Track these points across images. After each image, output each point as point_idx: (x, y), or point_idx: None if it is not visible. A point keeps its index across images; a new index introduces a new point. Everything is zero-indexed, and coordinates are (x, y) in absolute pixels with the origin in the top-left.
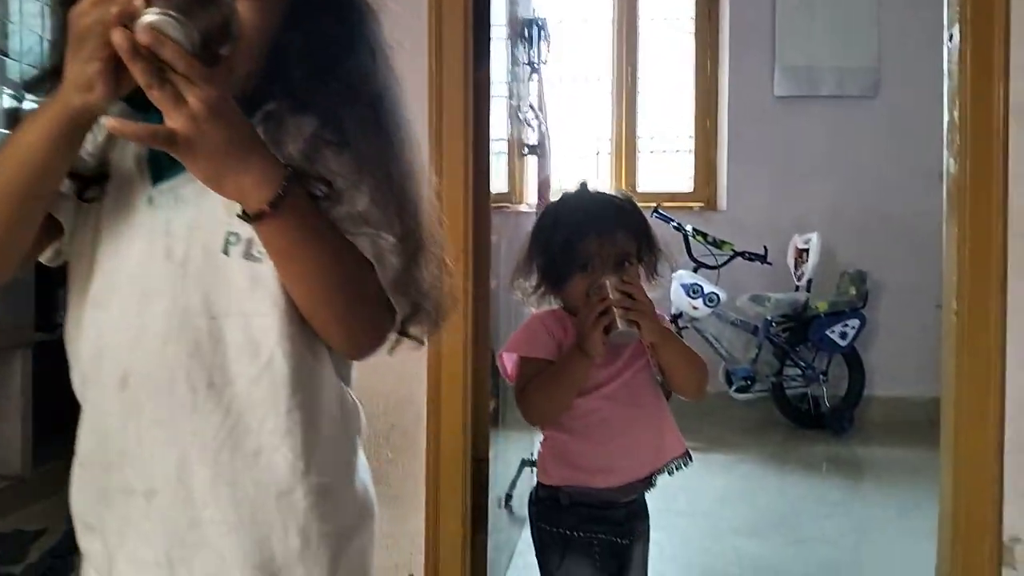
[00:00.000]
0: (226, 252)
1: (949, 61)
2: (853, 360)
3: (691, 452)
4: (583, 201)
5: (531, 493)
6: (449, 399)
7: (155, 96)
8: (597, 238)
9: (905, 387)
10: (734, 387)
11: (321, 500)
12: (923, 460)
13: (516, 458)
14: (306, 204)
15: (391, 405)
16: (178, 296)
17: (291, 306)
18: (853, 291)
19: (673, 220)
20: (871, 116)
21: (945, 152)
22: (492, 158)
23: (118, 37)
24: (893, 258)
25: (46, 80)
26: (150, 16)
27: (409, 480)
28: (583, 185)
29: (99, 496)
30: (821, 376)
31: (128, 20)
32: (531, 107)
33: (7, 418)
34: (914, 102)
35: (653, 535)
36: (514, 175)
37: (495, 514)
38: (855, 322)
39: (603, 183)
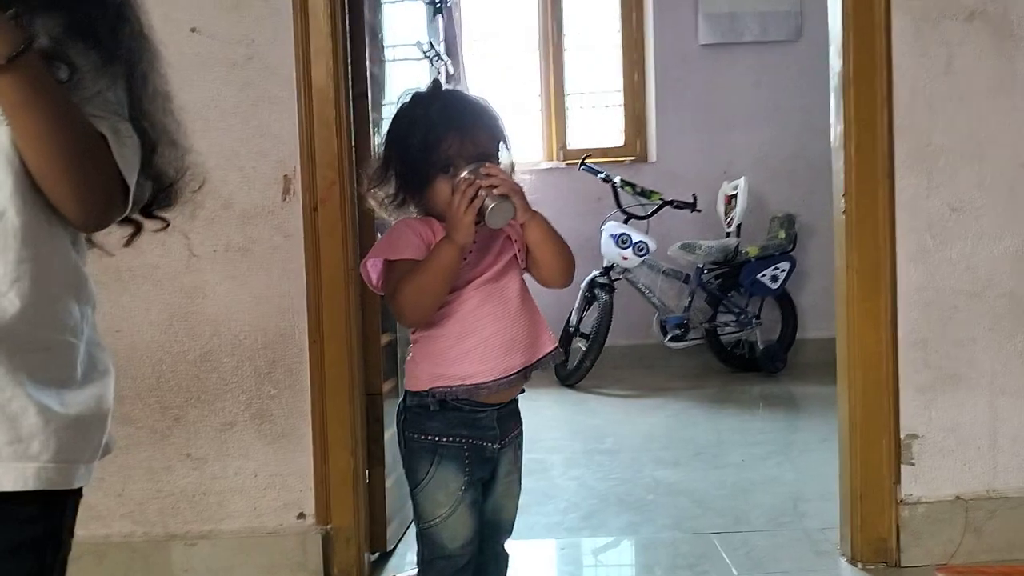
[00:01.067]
0: None
1: None
2: (785, 303)
3: (623, 398)
4: (440, 100)
5: (398, 404)
6: (332, 331)
7: None
8: (459, 137)
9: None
10: (668, 336)
11: (44, 351)
12: None
13: None
14: (42, 70)
15: (271, 339)
16: None
17: (25, 168)
18: (783, 235)
19: (601, 172)
20: (795, 60)
21: (831, 49)
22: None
23: None
24: (822, 201)
25: None
26: None
27: (294, 417)
28: (435, 83)
29: None
30: (754, 320)
31: None
32: (432, 46)
33: None
34: None
35: (573, 471)
36: None
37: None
38: (785, 265)
39: (534, 142)
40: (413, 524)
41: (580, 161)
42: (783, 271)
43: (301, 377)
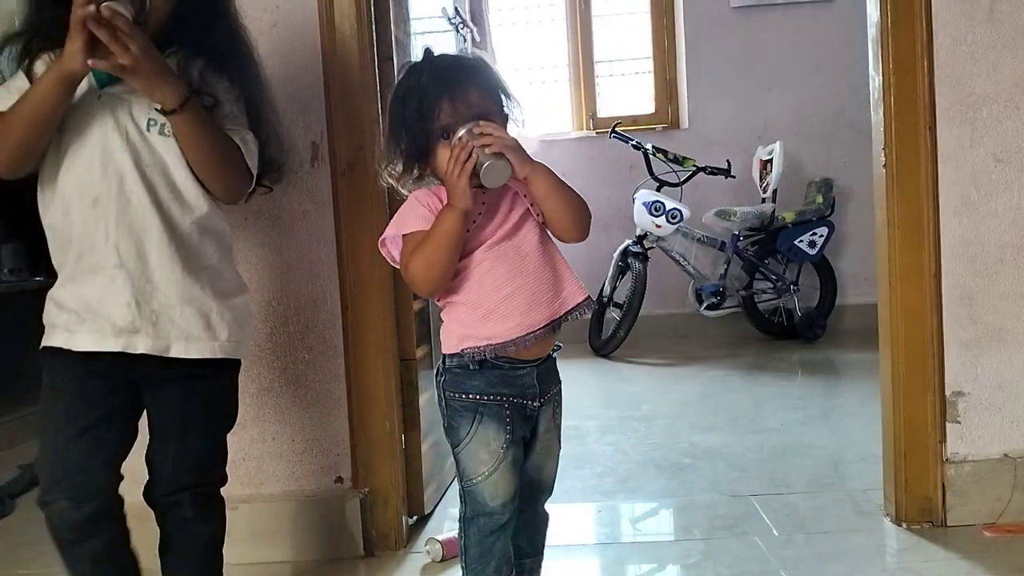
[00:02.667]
0: (148, 129)
1: None
2: (824, 269)
3: (658, 366)
4: (429, 66)
5: (437, 366)
6: (364, 297)
7: (112, 47)
8: (451, 101)
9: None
10: (704, 305)
11: (215, 272)
12: None
13: None
14: (199, 109)
15: (303, 305)
16: (124, 150)
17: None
18: (820, 199)
19: (632, 139)
20: (830, 19)
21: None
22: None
23: (91, 17)
24: (859, 163)
25: (13, 40)
26: (110, 2)
27: (329, 382)
28: (426, 51)
29: (78, 274)
30: (792, 287)
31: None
32: (457, 13)
33: None
34: None
35: (608, 437)
36: None
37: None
38: (823, 230)
39: (563, 112)
40: (452, 485)
41: (611, 129)
42: (821, 236)
43: (335, 342)
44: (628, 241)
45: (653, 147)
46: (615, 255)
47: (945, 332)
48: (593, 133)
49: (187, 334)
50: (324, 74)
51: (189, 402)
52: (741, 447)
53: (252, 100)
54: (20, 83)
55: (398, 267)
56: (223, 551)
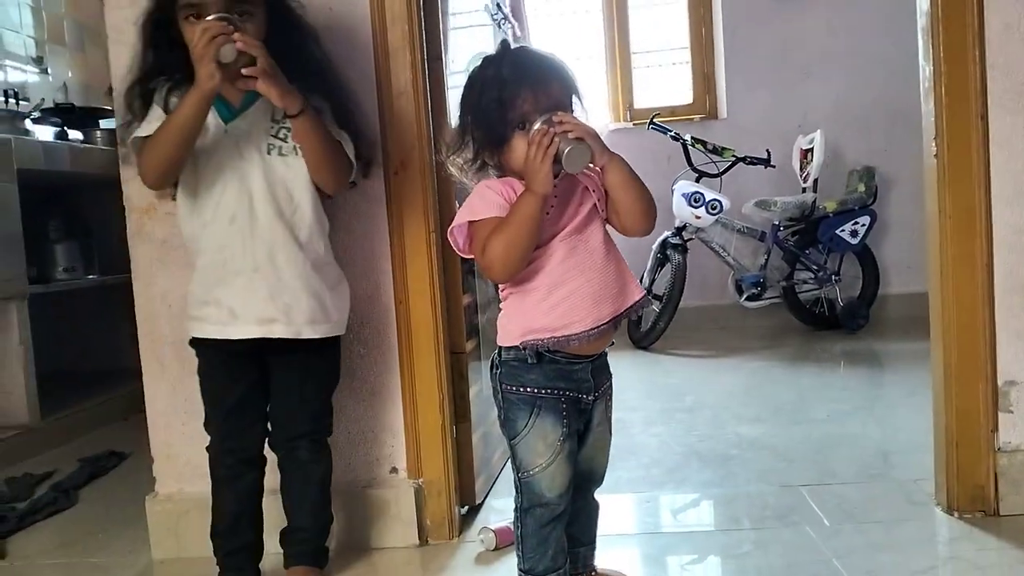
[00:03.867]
0: (269, 153)
1: None
2: (866, 258)
3: (699, 358)
4: (510, 57)
5: (492, 358)
6: (417, 292)
7: (245, 69)
8: (532, 92)
9: (923, 282)
10: (744, 296)
11: (325, 267)
12: None
13: None
14: (313, 112)
15: (358, 300)
16: (251, 175)
17: (309, 178)
18: (862, 188)
19: (670, 130)
20: (870, 6)
21: None
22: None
23: (225, 48)
24: (901, 152)
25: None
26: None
27: (384, 375)
28: (504, 43)
29: (220, 279)
30: (834, 277)
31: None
32: (499, 8)
33: (8, 369)
34: None
35: (653, 429)
36: None
37: (485, 407)
38: (865, 219)
39: (600, 103)
40: (500, 477)
41: (649, 120)
42: (863, 225)
43: (389, 336)
44: (667, 233)
45: (692, 138)
46: (654, 247)
47: (997, 321)
48: (630, 124)
49: (311, 319)
50: (376, 74)
51: (307, 369)
52: (787, 438)
53: (341, 106)
54: (158, 114)
55: (465, 255)
56: (330, 491)
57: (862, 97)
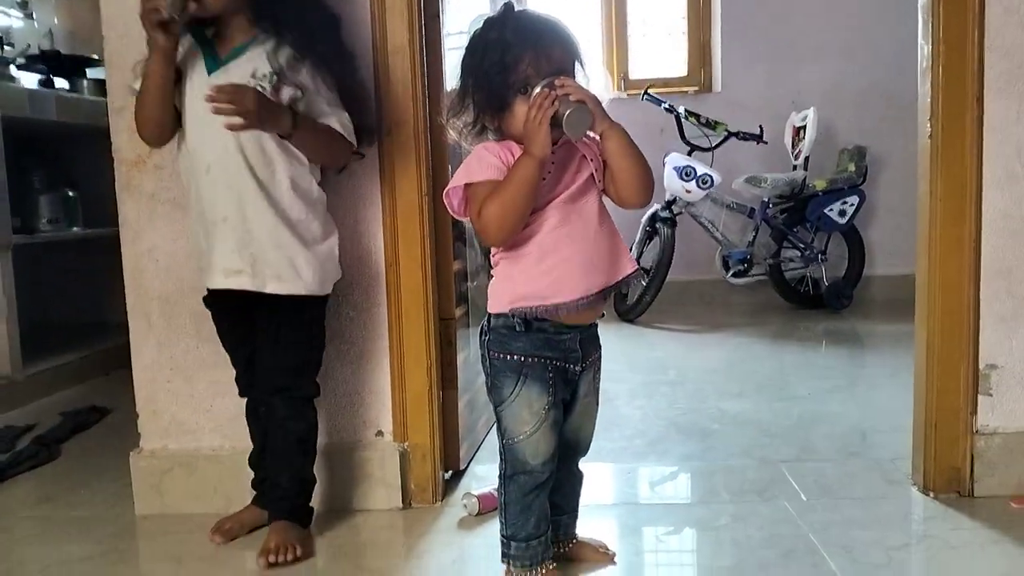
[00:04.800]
0: None
1: None
2: (853, 238)
3: (684, 332)
4: (513, 20)
5: (481, 325)
6: (407, 256)
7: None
8: (534, 56)
9: (908, 264)
10: (731, 272)
11: (300, 224)
12: None
13: None
14: (304, 119)
15: (348, 262)
16: (233, 154)
17: (291, 157)
18: (852, 168)
19: (664, 102)
20: None
21: None
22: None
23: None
24: (894, 133)
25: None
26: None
27: (372, 339)
28: (507, 5)
29: (203, 229)
30: (820, 256)
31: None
32: None
33: None
34: None
35: (636, 401)
36: None
37: (471, 373)
38: (854, 199)
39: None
40: (483, 443)
41: (643, 91)
42: (852, 205)
43: (378, 300)
44: (657, 206)
45: (686, 110)
46: (643, 220)
47: (982, 305)
48: (624, 95)
49: (277, 275)
50: (372, 31)
51: (281, 326)
52: (768, 413)
53: (341, 77)
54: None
55: (459, 218)
56: (313, 456)
57: (858, 77)
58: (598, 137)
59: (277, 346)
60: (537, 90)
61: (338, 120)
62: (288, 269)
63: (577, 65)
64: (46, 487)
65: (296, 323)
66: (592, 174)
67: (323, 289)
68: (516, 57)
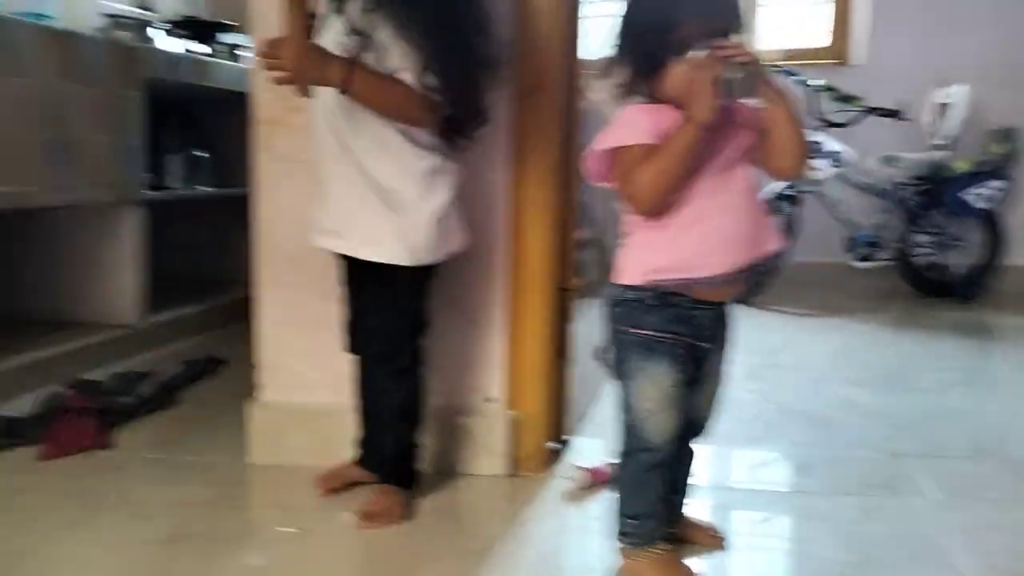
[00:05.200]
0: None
1: None
2: (991, 225)
3: (802, 316)
4: None
5: (609, 297)
6: (532, 223)
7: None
8: (697, 17)
9: None
10: (856, 255)
11: (390, 192)
12: None
13: None
14: (363, 71)
15: (470, 226)
16: (322, 90)
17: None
18: (999, 150)
19: (797, 73)
20: None
21: None
22: None
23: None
24: None
25: None
26: None
27: (488, 305)
28: None
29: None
30: (954, 242)
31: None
32: None
33: (121, 271)
34: None
35: (752, 384)
36: None
37: (582, 345)
38: (997, 184)
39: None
40: (592, 416)
41: (778, 62)
42: (993, 190)
43: (497, 266)
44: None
45: (825, 83)
46: (765, 197)
47: None
48: None
49: (364, 240)
50: None
51: (370, 291)
52: (892, 405)
53: (428, 47)
54: None
55: (599, 183)
56: (417, 423)
57: (1009, 54)
58: (762, 103)
59: (367, 310)
60: (702, 52)
61: (411, 73)
62: (373, 234)
63: (738, 29)
64: (165, 431)
65: (384, 290)
66: (745, 142)
67: (414, 259)
68: (681, 18)
